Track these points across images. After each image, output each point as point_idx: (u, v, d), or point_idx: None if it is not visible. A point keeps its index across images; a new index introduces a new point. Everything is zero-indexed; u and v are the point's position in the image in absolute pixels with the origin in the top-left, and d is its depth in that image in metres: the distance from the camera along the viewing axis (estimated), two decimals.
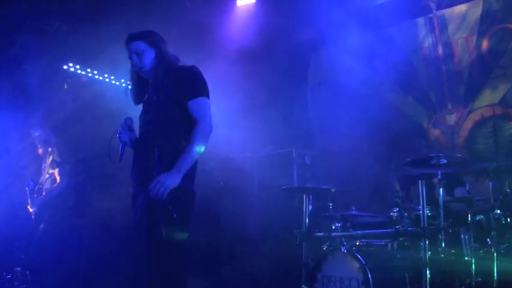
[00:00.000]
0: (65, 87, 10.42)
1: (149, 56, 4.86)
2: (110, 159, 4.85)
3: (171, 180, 4.41)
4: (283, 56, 10.01)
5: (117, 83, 11.07)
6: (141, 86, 5.02)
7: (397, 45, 9.34)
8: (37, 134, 9.17)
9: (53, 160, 8.95)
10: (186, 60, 4.98)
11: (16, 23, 9.10)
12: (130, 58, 4.91)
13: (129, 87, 5.08)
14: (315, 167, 9.10)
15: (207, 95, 4.79)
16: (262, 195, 9.03)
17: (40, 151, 9.19)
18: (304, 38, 10.02)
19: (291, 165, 9.03)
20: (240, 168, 9.22)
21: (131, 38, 4.91)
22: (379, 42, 9.45)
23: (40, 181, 9.00)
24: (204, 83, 4.81)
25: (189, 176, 4.66)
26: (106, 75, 10.94)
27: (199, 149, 4.56)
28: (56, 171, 8.92)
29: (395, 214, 6.71)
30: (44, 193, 8.85)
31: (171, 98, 4.69)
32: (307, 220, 7.29)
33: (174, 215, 4.43)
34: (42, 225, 8.78)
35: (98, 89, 10.68)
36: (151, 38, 4.92)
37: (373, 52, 9.46)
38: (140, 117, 4.96)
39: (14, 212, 8.98)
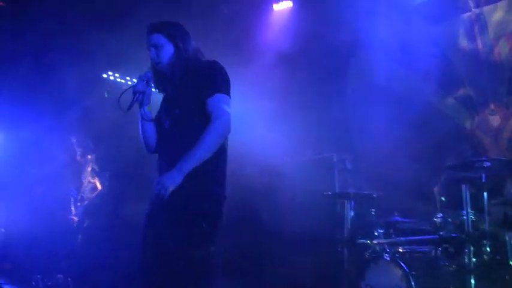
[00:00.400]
0: (106, 95, 10.50)
1: (168, 51, 4.57)
2: (119, 107, 4.50)
3: (171, 181, 4.10)
4: (321, 59, 9.96)
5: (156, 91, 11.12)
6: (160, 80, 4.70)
7: (437, 45, 9.22)
8: (74, 140, 9.25)
9: (92, 169, 9.02)
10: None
11: (57, 32, 9.21)
12: (149, 50, 4.63)
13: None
14: (356, 171, 9.00)
15: (227, 92, 4.45)
16: (303, 201, 8.95)
17: (79, 158, 9.26)
18: (342, 40, 9.96)
19: (332, 170, 8.92)
20: (279, 174, 9.16)
21: (151, 30, 4.64)
22: (418, 42, 9.33)
23: (81, 189, 9.08)
24: (224, 79, 4.50)
25: (216, 181, 4.37)
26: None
27: (211, 147, 4.22)
28: (96, 180, 8.98)
29: (438, 220, 6.59)
30: (85, 201, 8.93)
31: (191, 96, 4.42)
32: (349, 226, 7.22)
33: (203, 225, 4.17)
34: (82, 234, 8.86)
35: None
36: (171, 32, 4.63)
37: (412, 52, 9.36)
38: (160, 117, 4.67)
39: (55, 219, 9.07)
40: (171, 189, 4.09)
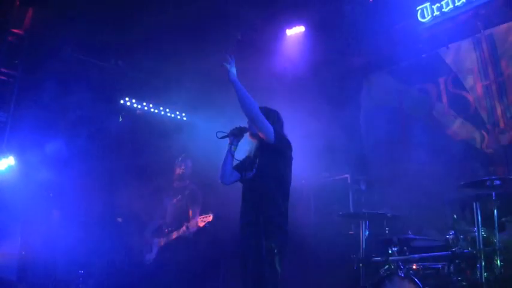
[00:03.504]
0: (120, 119, 10.72)
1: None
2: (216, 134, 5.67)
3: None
4: (333, 83, 10.08)
5: (172, 115, 11.36)
6: None
7: (447, 66, 9.36)
8: None
9: None
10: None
11: (79, 61, 9.46)
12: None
13: None
14: (370, 192, 9.13)
15: None
16: (319, 221, 9.10)
17: None
18: (354, 64, 10.15)
19: (346, 191, 9.10)
20: (296, 195, 9.27)
21: None
22: (429, 64, 9.50)
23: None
24: None
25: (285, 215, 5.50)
26: (161, 108, 11.22)
27: None
28: None
29: (451, 237, 6.72)
30: None
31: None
32: (363, 245, 7.35)
33: (275, 250, 5.14)
34: None
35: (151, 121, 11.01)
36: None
37: (423, 74, 9.51)
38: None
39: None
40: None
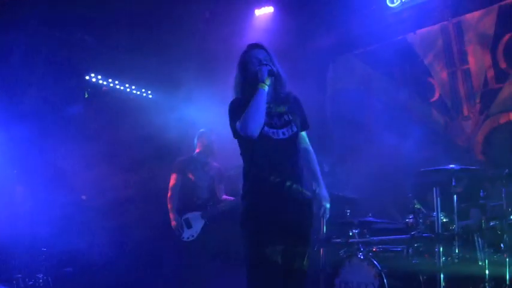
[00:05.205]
0: (86, 95, 10.59)
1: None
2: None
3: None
4: (301, 63, 10.08)
5: (138, 92, 11.25)
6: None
7: (414, 52, 9.41)
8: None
9: None
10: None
11: (39, 33, 9.31)
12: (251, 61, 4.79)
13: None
14: (333, 174, 9.16)
15: None
16: None
17: None
18: (322, 45, 10.13)
19: None
20: None
21: (261, 46, 4.95)
22: (396, 49, 9.53)
23: None
24: None
25: None
26: (127, 85, 11.10)
27: None
28: None
29: (410, 220, 6.82)
30: None
31: (300, 120, 4.81)
32: (324, 227, 7.39)
33: None
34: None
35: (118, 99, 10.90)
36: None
37: (390, 59, 9.55)
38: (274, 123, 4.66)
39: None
40: None
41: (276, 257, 4.32)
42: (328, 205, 4.78)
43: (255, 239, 4.39)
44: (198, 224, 8.23)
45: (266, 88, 4.52)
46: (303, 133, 4.89)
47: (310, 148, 4.93)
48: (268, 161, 4.49)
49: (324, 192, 4.75)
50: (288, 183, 4.46)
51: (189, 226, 8.23)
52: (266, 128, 4.53)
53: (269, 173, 4.46)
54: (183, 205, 8.35)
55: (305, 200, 4.58)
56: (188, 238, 8.19)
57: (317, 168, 4.86)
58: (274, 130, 4.57)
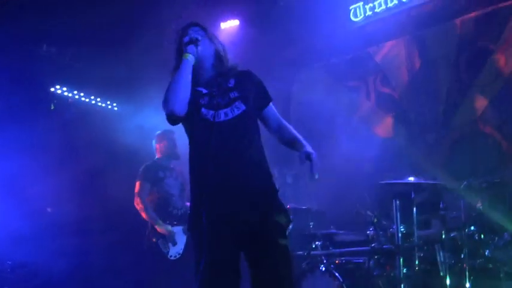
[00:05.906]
0: (52, 107, 10.51)
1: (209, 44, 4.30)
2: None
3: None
4: (266, 76, 10.07)
5: (103, 105, 11.20)
6: None
7: (377, 65, 9.52)
8: None
9: None
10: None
11: (2, 45, 9.23)
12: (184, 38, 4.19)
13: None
14: (296, 186, 9.21)
15: None
16: None
17: None
18: (287, 58, 10.17)
19: None
20: None
21: (195, 24, 4.46)
22: (359, 63, 9.63)
23: None
24: None
25: None
26: (92, 97, 11.05)
27: None
28: None
29: (371, 233, 6.88)
30: None
31: (252, 96, 4.24)
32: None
33: None
34: None
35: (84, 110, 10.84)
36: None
37: (353, 72, 9.65)
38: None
39: None
40: None
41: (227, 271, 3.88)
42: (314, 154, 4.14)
43: (204, 243, 3.73)
44: (181, 239, 7.47)
45: (188, 57, 3.99)
46: (270, 108, 4.36)
47: (284, 123, 4.38)
48: (207, 148, 3.79)
49: (309, 148, 4.19)
50: (235, 172, 3.84)
51: (174, 243, 7.42)
52: (204, 110, 3.96)
53: (209, 162, 3.77)
54: (159, 218, 7.46)
55: (261, 189, 3.94)
56: (175, 256, 7.39)
57: (295, 135, 4.33)
58: (214, 111, 3.92)
